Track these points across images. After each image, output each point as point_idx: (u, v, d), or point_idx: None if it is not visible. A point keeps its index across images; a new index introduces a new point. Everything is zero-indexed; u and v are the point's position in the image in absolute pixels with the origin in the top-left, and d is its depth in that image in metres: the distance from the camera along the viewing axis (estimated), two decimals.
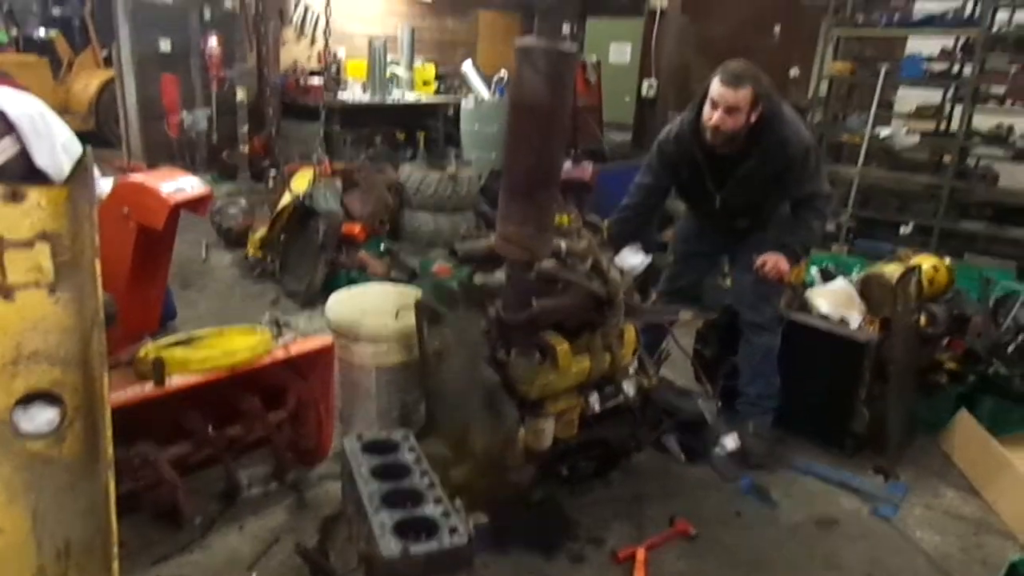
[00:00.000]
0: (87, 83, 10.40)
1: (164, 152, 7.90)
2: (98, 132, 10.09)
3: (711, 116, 3.04)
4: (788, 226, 3.33)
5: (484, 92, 8.99)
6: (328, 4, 3.89)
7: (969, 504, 3.31)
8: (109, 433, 1.76)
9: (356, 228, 5.37)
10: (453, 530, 1.86)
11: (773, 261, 3.21)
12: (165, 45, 7.89)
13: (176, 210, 2.53)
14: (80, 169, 1.86)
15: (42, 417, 1.74)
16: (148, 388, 2.36)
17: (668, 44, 7.51)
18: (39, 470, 1.70)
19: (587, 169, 2.87)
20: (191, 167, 7.96)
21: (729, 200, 3.29)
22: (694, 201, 3.57)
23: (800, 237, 3.29)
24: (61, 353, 1.79)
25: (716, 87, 3.01)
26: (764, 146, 3.09)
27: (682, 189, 3.53)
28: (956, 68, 7.32)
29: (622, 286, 2.71)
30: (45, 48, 10.55)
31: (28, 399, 1.71)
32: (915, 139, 7.16)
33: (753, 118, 3.03)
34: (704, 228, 3.62)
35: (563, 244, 2.57)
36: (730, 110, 2.99)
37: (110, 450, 1.78)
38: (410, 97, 9.63)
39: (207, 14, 8.13)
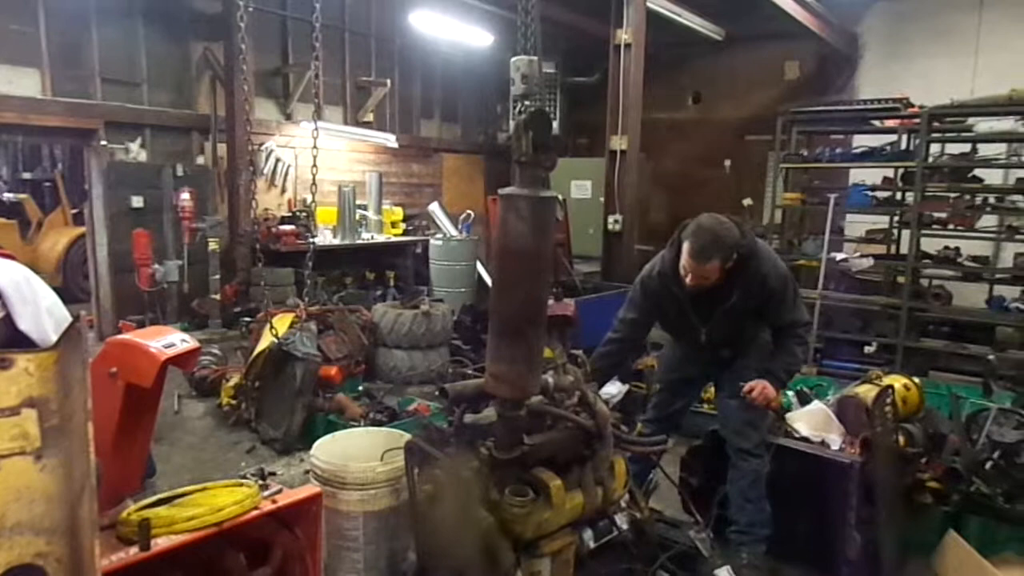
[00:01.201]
0: (55, 241, 10.53)
1: (134, 304, 7.90)
2: (65, 287, 10.11)
3: (686, 276, 3.21)
4: (772, 353, 3.43)
5: (451, 230, 9.31)
6: (314, 160, 4.06)
7: None
8: None
9: (333, 370, 5.36)
10: None
11: (760, 387, 3.29)
12: (137, 201, 8.05)
13: (165, 366, 2.54)
14: (72, 332, 1.86)
15: None
16: (132, 552, 2.27)
17: (629, 181, 7.92)
18: None
19: (569, 305, 2.98)
20: (162, 318, 7.97)
21: (714, 333, 3.41)
22: (679, 334, 3.68)
23: (784, 363, 3.41)
24: (46, 523, 1.72)
25: (685, 256, 3.19)
26: (744, 283, 3.24)
27: (667, 323, 3.65)
28: (899, 195, 7.79)
29: (610, 418, 2.74)
30: (14, 210, 10.74)
31: (9, 574, 1.64)
32: (869, 262, 7.50)
33: (728, 265, 3.19)
34: (688, 356, 3.71)
35: (550, 380, 2.62)
36: (701, 277, 3.18)
37: None
38: (379, 238, 9.89)
39: (179, 170, 8.38)
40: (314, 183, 4.47)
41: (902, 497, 3.72)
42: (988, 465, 3.78)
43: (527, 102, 2.40)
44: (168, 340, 2.54)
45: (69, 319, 2.57)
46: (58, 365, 1.88)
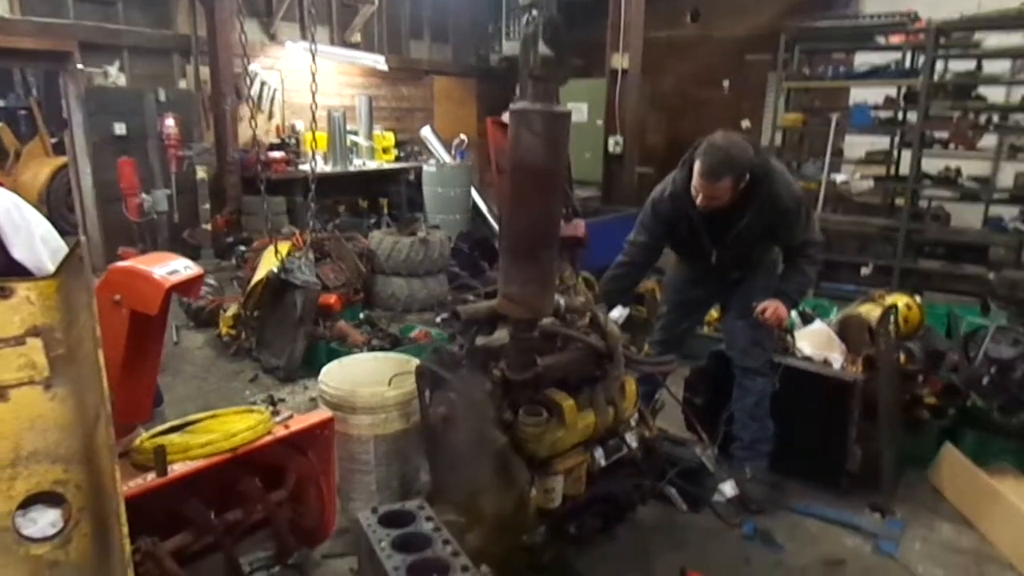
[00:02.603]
0: (36, 172, 10.23)
1: (123, 235, 7.77)
2: (50, 220, 9.87)
3: (697, 196, 3.13)
4: (783, 273, 3.41)
5: (445, 156, 9.14)
6: (313, 78, 3.89)
7: (964, 536, 3.35)
8: (125, 530, 1.68)
9: (332, 299, 5.32)
10: None
11: (773, 308, 3.28)
12: (120, 128, 7.81)
13: (169, 293, 2.49)
14: (73, 259, 1.81)
15: (44, 520, 1.66)
16: (150, 478, 2.27)
17: (630, 102, 7.74)
18: None
19: (580, 226, 2.92)
20: (153, 249, 7.86)
21: (725, 255, 3.37)
22: (690, 257, 3.64)
23: (796, 283, 3.38)
24: (61, 451, 1.72)
25: (696, 176, 3.10)
26: (757, 203, 3.18)
27: (677, 245, 3.60)
28: (901, 115, 7.67)
29: (621, 339, 2.73)
30: None
31: (29, 502, 1.63)
32: (869, 184, 7.45)
33: (741, 185, 3.12)
34: (696, 278, 3.68)
35: (562, 301, 2.59)
36: (712, 197, 3.10)
37: (127, 549, 1.69)
38: (371, 165, 9.73)
39: (162, 95, 8.12)
40: (314, 101, 4.30)
41: (901, 413, 3.79)
42: (985, 380, 3.83)
43: (535, 12, 2.28)
44: (172, 266, 2.48)
45: (65, 248, 2.52)
46: (60, 293, 1.84)
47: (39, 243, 2.56)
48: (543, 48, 2.18)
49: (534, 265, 2.31)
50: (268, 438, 2.58)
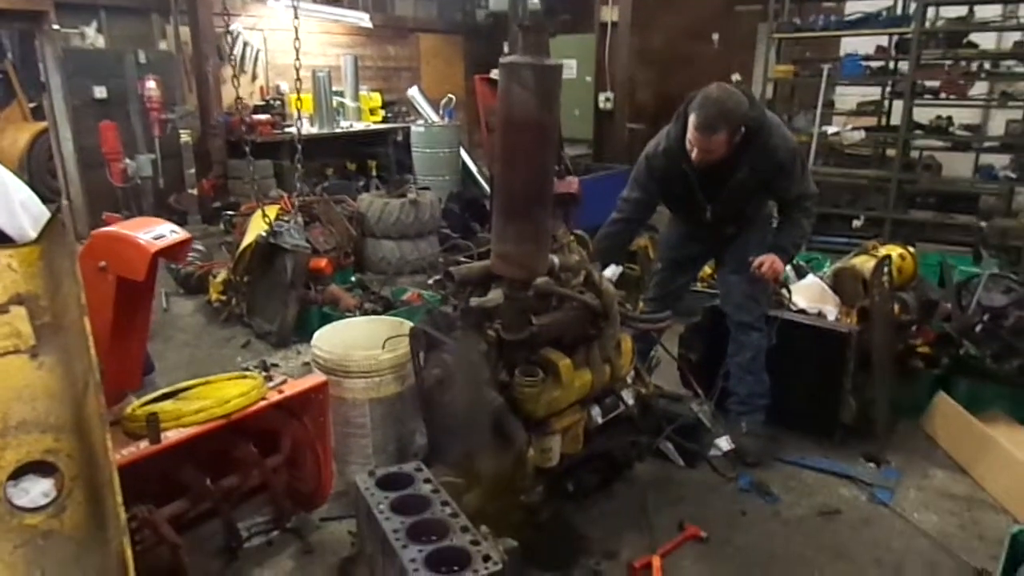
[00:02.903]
0: (15, 138, 10.03)
1: (108, 201, 7.64)
2: (32, 187, 9.71)
3: (692, 149, 3.08)
4: (778, 226, 3.38)
5: (433, 116, 9.00)
6: (296, 33, 3.78)
7: (958, 483, 3.39)
8: (119, 498, 1.67)
9: (322, 262, 5.26)
10: (487, 558, 1.81)
11: (770, 262, 3.26)
12: (100, 91, 7.62)
13: (156, 259, 2.44)
14: (55, 225, 1.77)
15: (36, 489, 1.64)
16: (143, 446, 2.25)
17: (620, 56, 7.61)
18: (40, 545, 1.59)
19: (574, 183, 2.86)
20: (138, 215, 7.75)
21: (720, 209, 3.33)
22: (684, 212, 3.59)
23: (792, 237, 3.36)
24: (51, 420, 1.69)
25: (691, 129, 3.05)
26: (752, 156, 3.14)
27: (671, 201, 3.56)
28: (892, 65, 7.58)
29: (616, 297, 2.71)
30: None
31: (20, 472, 1.61)
32: (860, 135, 7.39)
33: (737, 139, 3.07)
34: (690, 234, 3.64)
35: (556, 260, 2.56)
36: (707, 151, 3.05)
37: (122, 516, 1.69)
38: (358, 126, 9.58)
39: (142, 57, 7.91)
40: (298, 57, 4.18)
41: (895, 363, 3.80)
42: (978, 328, 3.84)
43: None
44: (157, 231, 2.43)
45: (47, 214, 2.45)
46: (43, 260, 1.79)
47: (19, 209, 2.49)
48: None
49: (528, 223, 2.27)
50: (262, 403, 2.56)
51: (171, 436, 2.33)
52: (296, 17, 3.91)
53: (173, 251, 2.50)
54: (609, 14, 7.42)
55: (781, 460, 3.51)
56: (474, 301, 2.54)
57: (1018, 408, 3.64)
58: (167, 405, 2.48)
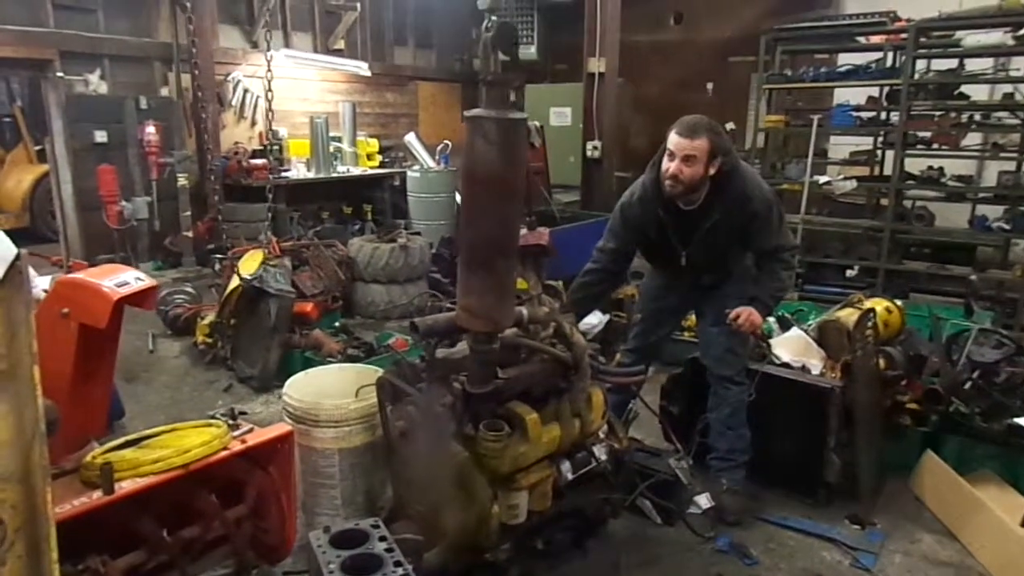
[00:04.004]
0: (20, 180, 10.19)
1: (104, 243, 7.69)
2: (33, 228, 9.86)
3: (668, 167, 3.08)
4: (756, 278, 3.36)
5: (429, 161, 9.09)
6: (268, 65, 3.83)
7: (946, 548, 3.28)
8: (55, 555, 1.62)
9: (308, 307, 5.26)
10: None
11: (746, 314, 3.22)
12: (101, 136, 7.72)
13: (119, 306, 2.42)
14: (13, 272, 1.76)
15: None
16: (96, 496, 2.21)
17: (608, 106, 7.71)
18: None
19: (544, 234, 2.86)
20: (133, 256, 7.78)
21: (695, 256, 3.31)
22: (660, 260, 3.58)
23: (770, 289, 3.31)
24: None
25: (672, 138, 3.08)
26: (726, 201, 3.14)
27: (647, 249, 3.55)
28: (884, 115, 7.64)
29: (587, 349, 2.67)
30: None
31: None
32: (852, 184, 7.40)
33: (712, 170, 3.08)
34: (670, 285, 3.62)
35: (524, 312, 2.53)
36: (687, 159, 3.04)
37: (57, 573, 1.64)
38: (355, 171, 9.66)
39: (143, 103, 8.04)
40: (269, 94, 4.20)
41: (882, 419, 3.73)
42: (967, 385, 3.78)
43: (494, 17, 2.23)
44: (121, 279, 2.42)
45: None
46: (2, 307, 1.78)
47: None
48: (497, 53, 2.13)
49: (491, 276, 2.25)
50: (223, 453, 2.51)
51: (126, 486, 2.28)
52: (269, 70, 3.94)
53: (137, 298, 2.49)
54: (596, 65, 7.54)
55: (762, 519, 3.43)
56: (441, 352, 2.50)
57: (1009, 469, 3.55)
58: (127, 453, 2.43)
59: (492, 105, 2.14)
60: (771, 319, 4.14)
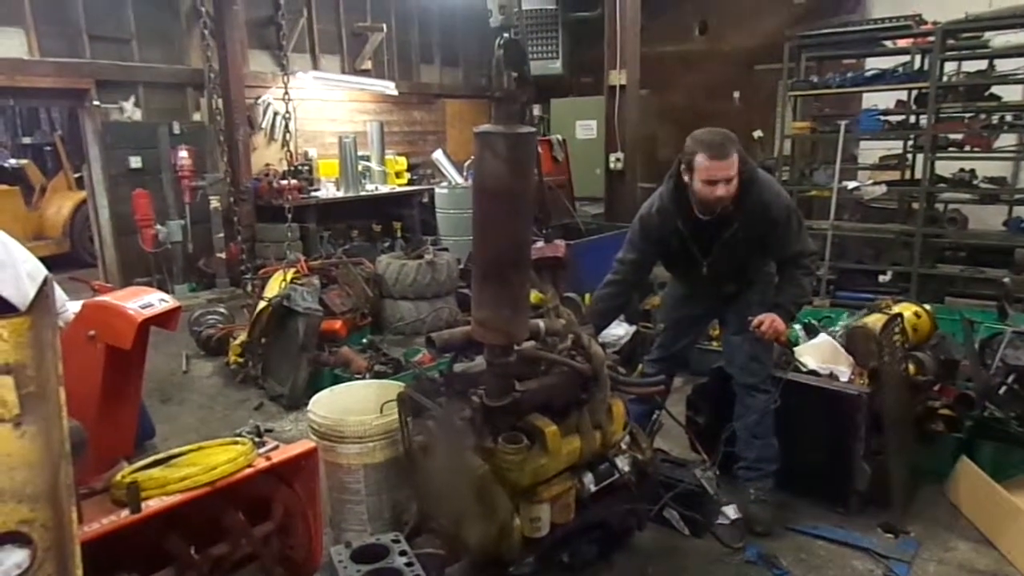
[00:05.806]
0: (60, 206, 10.51)
1: (140, 267, 7.90)
2: (74, 253, 10.15)
3: (713, 192, 3.03)
4: (778, 286, 3.33)
5: (457, 177, 9.16)
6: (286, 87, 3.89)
7: (983, 556, 3.19)
8: (79, 573, 1.66)
9: (337, 324, 5.33)
10: None
11: (769, 321, 3.19)
12: (136, 161, 7.96)
13: (144, 327, 2.49)
14: (40, 297, 1.82)
15: (10, 560, 1.64)
16: (123, 515, 2.26)
17: (630, 118, 7.72)
18: None
19: (560, 247, 2.87)
20: (168, 279, 7.97)
21: (716, 266, 3.30)
22: (681, 270, 3.57)
23: (792, 296, 3.29)
24: (28, 490, 1.70)
25: (707, 164, 3.01)
26: (746, 210, 3.13)
27: (668, 260, 3.54)
28: (912, 118, 7.52)
29: (606, 360, 2.68)
30: (17, 177, 10.69)
31: None
32: (882, 189, 7.29)
33: (738, 172, 3.07)
34: (692, 294, 3.61)
35: (541, 324, 2.55)
36: (729, 180, 3.02)
37: None
38: (383, 189, 9.78)
39: (176, 128, 8.26)
40: (287, 114, 4.27)
41: (914, 426, 3.66)
42: (1002, 390, 3.69)
43: (506, 35, 2.27)
44: (145, 300, 2.48)
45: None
46: (32, 330, 1.84)
47: (25, 279, 2.58)
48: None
49: (505, 289, 2.27)
50: (248, 470, 2.56)
51: (153, 504, 2.34)
52: (286, 92, 3.99)
53: (162, 319, 2.55)
54: (617, 78, 7.57)
55: (792, 529, 3.37)
56: (459, 366, 2.53)
57: None
58: (155, 472, 2.48)
59: (500, 120, 2.18)
60: (797, 326, 4.09)
